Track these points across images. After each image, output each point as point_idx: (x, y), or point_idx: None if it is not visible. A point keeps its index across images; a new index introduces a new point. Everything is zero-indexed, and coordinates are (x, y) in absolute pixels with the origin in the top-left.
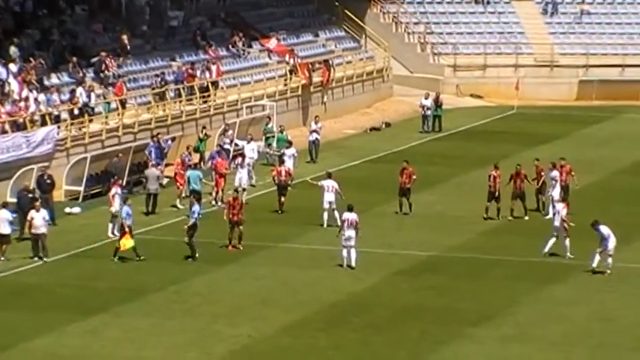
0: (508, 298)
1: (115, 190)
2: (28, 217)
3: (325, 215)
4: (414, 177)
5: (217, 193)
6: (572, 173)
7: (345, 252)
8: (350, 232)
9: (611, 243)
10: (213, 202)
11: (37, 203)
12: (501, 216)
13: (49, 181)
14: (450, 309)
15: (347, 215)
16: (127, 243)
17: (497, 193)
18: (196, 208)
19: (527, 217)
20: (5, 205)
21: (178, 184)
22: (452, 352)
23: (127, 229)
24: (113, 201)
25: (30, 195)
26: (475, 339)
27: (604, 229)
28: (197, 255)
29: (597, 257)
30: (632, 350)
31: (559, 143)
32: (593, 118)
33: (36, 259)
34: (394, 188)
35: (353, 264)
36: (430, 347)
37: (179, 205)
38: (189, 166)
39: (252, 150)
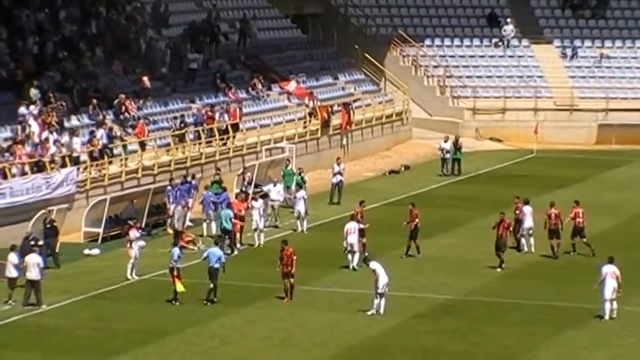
0: (527, 343)
1: (133, 234)
2: (25, 262)
3: (349, 257)
4: (417, 220)
5: (235, 235)
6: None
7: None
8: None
9: (608, 288)
10: (238, 245)
11: (36, 248)
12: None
13: (49, 226)
14: (468, 353)
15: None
16: (180, 287)
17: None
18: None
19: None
20: (13, 249)
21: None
22: None
23: (175, 273)
24: (130, 246)
25: (30, 240)
26: None
27: (605, 269)
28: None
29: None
30: None
31: (578, 187)
32: (613, 162)
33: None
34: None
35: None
36: None
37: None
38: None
39: (278, 192)
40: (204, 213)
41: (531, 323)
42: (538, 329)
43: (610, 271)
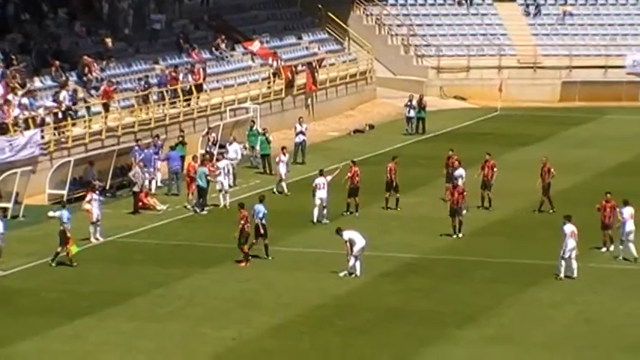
0: (492, 300)
1: (91, 196)
2: None
3: (316, 211)
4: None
5: (188, 195)
6: (495, 169)
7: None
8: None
9: (570, 244)
10: (188, 206)
11: None
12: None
13: None
14: (433, 311)
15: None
16: (73, 249)
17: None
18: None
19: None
20: None
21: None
22: (436, 353)
23: (69, 235)
24: (91, 207)
25: None
26: (459, 341)
27: (566, 228)
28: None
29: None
30: (616, 351)
31: (542, 144)
32: (577, 119)
33: None
34: (378, 190)
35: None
36: (414, 349)
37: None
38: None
39: (235, 151)
40: (169, 173)
41: (496, 281)
42: (503, 287)
43: (570, 230)
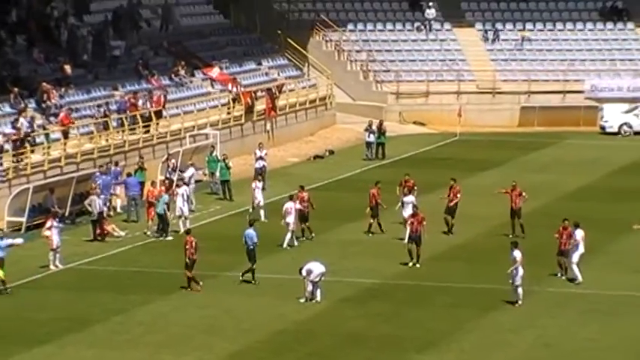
0: (452, 325)
1: (51, 223)
2: None
3: (288, 236)
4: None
5: (148, 222)
6: (459, 195)
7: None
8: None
9: (521, 270)
10: (148, 233)
11: None
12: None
13: None
14: (394, 336)
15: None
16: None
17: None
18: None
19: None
20: None
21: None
22: None
23: None
24: (51, 234)
25: None
26: None
27: (516, 254)
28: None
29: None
30: None
31: (502, 169)
32: (536, 144)
33: None
34: (338, 215)
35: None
36: None
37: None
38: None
39: (190, 177)
40: (127, 199)
41: (456, 306)
42: (463, 312)
43: (520, 256)
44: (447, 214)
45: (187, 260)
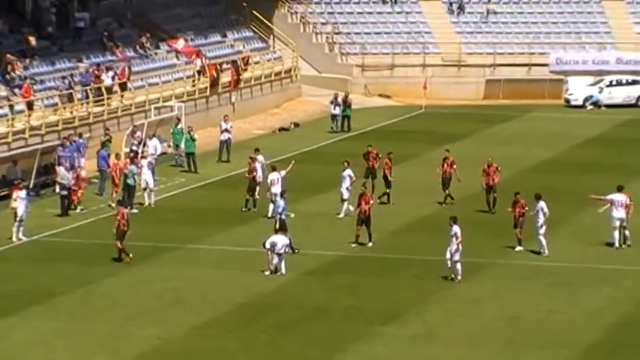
0: (416, 297)
1: (16, 194)
2: None
3: (271, 207)
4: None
5: (112, 194)
6: (455, 166)
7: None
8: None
9: (453, 245)
10: (112, 205)
11: None
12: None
13: None
14: (358, 308)
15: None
16: None
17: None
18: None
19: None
20: None
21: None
22: (361, 351)
23: None
24: (16, 205)
25: None
26: (384, 338)
27: (456, 229)
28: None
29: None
30: (539, 347)
31: (466, 142)
32: (500, 117)
33: None
34: (303, 188)
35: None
36: (339, 346)
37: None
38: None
39: (154, 147)
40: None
41: (421, 278)
42: (427, 284)
43: (459, 231)
44: (444, 186)
45: (118, 231)
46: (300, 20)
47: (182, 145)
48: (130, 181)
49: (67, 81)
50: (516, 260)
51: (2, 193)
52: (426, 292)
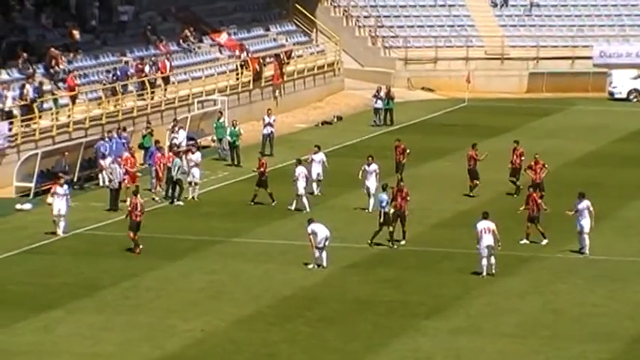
0: (460, 291)
1: (54, 189)
2: None
3: (305, 200)
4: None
5: (157, 187)
6: (523, 157)
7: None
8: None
9: (485, 241)
10: (156, 198)
11: None
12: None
13: None
14: (402, 302)
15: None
16: None
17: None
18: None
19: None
20: None
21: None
22: (404, 344)
23: None
24: (53, 200)
25: None
26: (427, 331)
27: (479, 225)
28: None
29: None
30: (583, 341)
31: (509, 135)
32: (543, 110)
33: None
34: (346, 181)
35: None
36: (382, 340)
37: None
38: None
39: (183, 138)
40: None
41: (464, 271)
42: (470, 278)
43: (484, 227)
44: (512, 176)
45: (130, 221)
46: (343, 14)
47: (227, 139)
48: (177, 175)
49: (111, 74)
50: (559, 254)
51: (47, 187)
52: (469, 286)
